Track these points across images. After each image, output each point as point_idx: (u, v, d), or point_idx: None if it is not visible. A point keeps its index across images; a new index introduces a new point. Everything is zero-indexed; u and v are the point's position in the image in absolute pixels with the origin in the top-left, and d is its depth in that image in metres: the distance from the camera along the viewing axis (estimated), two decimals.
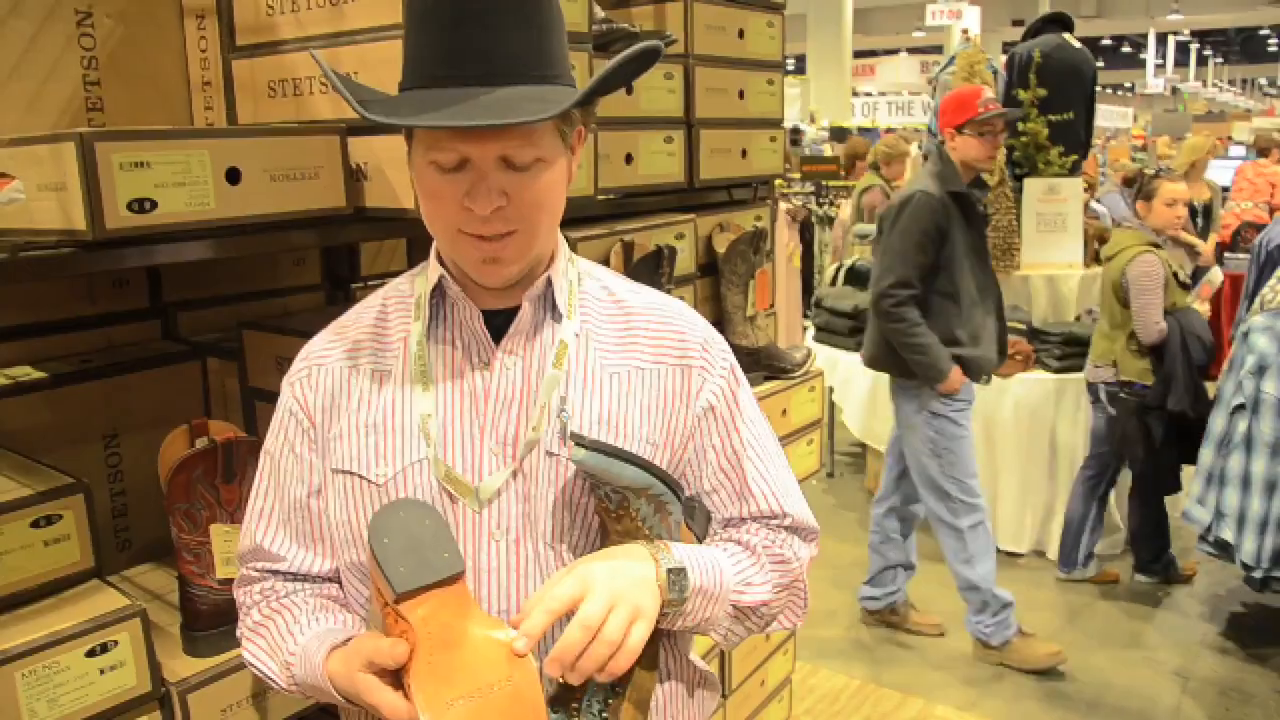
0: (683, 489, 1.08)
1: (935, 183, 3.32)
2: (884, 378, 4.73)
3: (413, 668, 0.90)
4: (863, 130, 14.74)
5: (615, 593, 0.95)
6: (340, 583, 1.14)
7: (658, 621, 1.01)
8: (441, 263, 1.10)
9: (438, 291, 1.10)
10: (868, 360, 3.57)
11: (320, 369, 1.12)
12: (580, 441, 0.98)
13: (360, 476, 1.07)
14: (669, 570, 1.00)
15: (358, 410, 1.08)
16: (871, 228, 5.96)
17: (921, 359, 3.29)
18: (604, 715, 0.99)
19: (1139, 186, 3.93)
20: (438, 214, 1.02)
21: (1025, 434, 4.38)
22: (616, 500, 1.02)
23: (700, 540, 1.12)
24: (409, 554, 0.94)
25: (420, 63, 0.99)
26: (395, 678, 0.93)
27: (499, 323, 1.08)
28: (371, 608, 1.05)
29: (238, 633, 1.16)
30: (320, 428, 1.10)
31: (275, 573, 1.14)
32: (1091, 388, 4.03)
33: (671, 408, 1.11)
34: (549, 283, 1.09)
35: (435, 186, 1.00)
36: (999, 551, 4.40)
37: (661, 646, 1.09)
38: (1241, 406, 3.49)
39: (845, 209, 7.19)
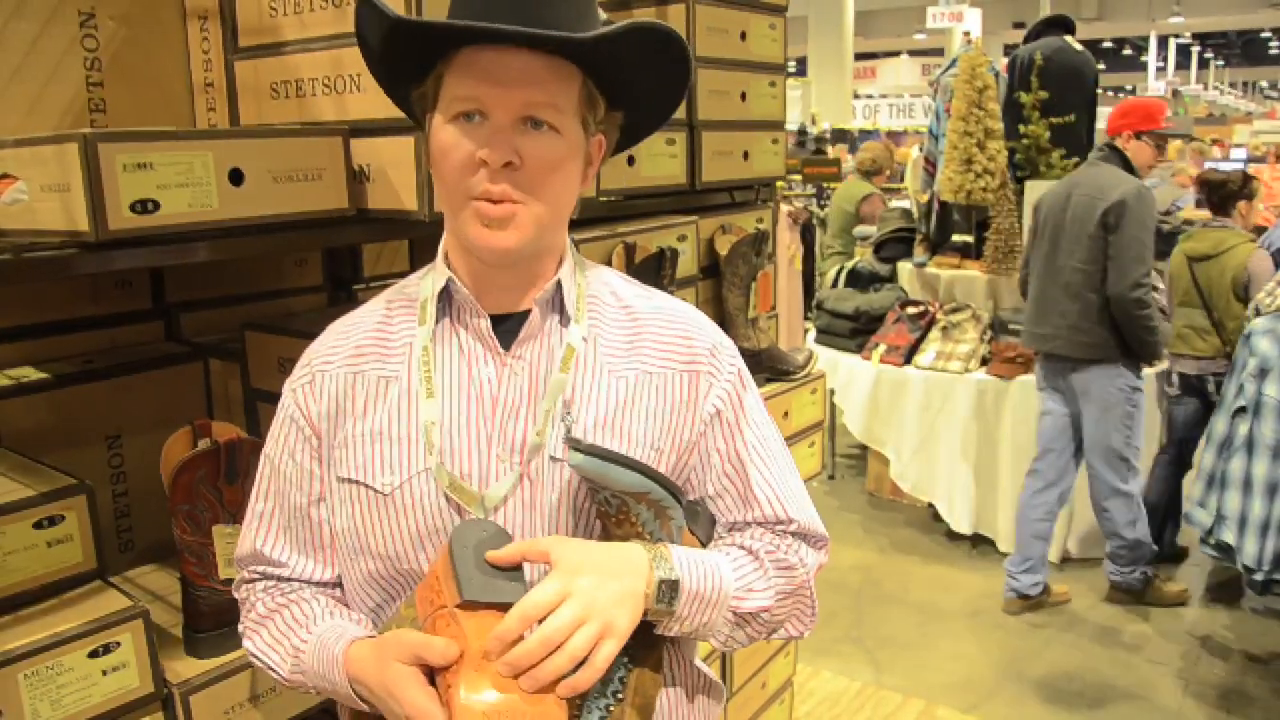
0: (684, 493, 1.06)
1: (1134, 176, 3.61)
2: (885, 380, 4.79)
3: (460, 671, 0.91)
4: (864, 133, 14.74)
5: (589, 606, 0.93)
6: (341, 587, 1.13)
7: (652, 628, 1.00)
8: (449, 266, 1.09)
9: (444, 295, 1.08)
10: (1076, 347, 3.69)
11: (324, 375, 1.10)
12: (577, 446, 0.97)
13: (366, 486, 1.05)
14: (661, 581, 0.98)
15: (363, 418, 1.07)
16: (872, 229, 5.95)
17: (1156, 340, 3.58)
18: None
19: (1240, 186, 4.14)
20: (449, 175, 1.00)
21: (1026, 435, 4.38)
22: (616, 505, 1.01)
23: (704, 544, 1.11)
24: (482, 569, 0.96)
25: (458, 11, 0.99)
26: (428, 678, 0.93)
27: (506, 327, 1.07)
28: (403, 610, 1.05)
29: (240, 628, 1.15)
30: (325, 436, 1.09)
31: (276, 578, 1.14)
32: (1185, 379, 4.19)
33: (677, 413, 1.09)
34: (559, 286, 1.08)
35: (451, 141, 0.99)
36: (997, 551, 4.42)
37: (665, 651, 1.08)
38: (1243, 409, 3.48)
39: None
